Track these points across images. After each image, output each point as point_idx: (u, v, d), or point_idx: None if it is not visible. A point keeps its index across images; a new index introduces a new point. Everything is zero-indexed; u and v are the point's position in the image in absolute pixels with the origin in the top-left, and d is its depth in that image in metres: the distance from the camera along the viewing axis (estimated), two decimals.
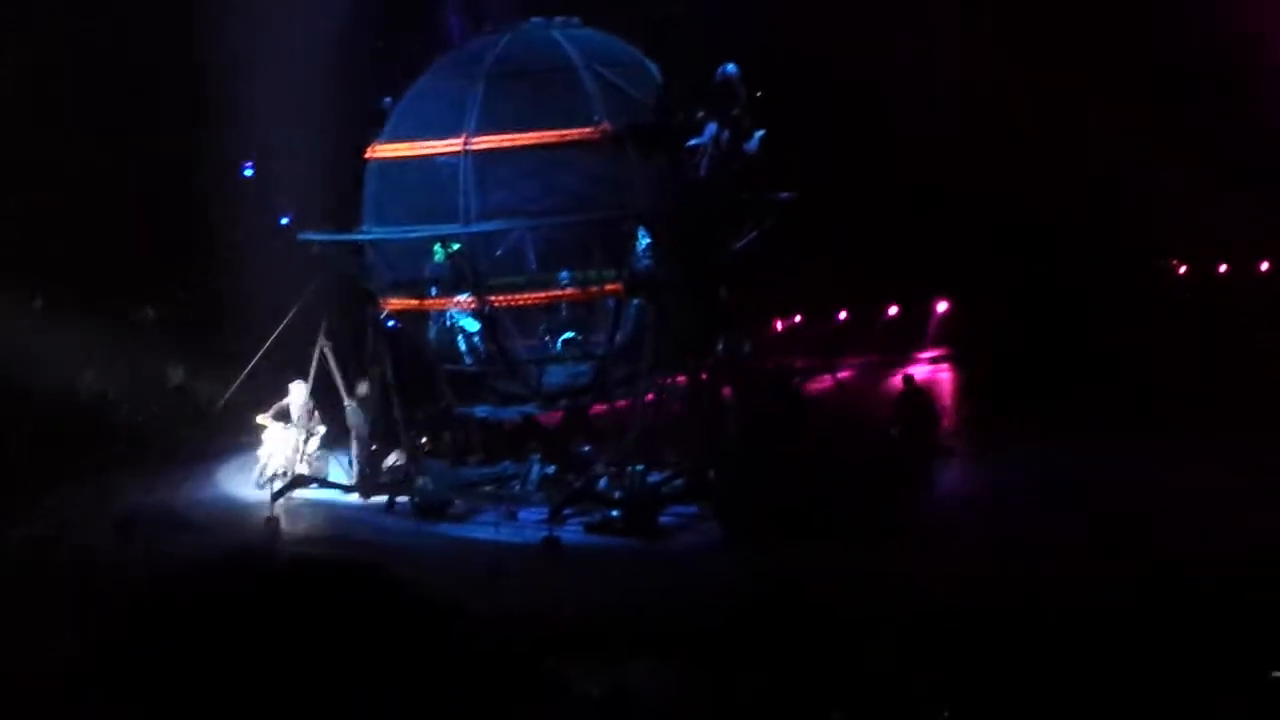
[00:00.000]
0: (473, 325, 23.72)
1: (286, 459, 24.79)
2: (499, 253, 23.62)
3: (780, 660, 13.01)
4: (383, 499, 24.06)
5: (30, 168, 27.23)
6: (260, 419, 24.93)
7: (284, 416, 24.88)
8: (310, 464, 25.01)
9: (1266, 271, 32.70)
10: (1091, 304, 30.12)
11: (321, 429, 25.07)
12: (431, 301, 23.80)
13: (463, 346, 23.90)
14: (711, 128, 22.93)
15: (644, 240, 23.16)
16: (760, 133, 22.95)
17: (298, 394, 24.91)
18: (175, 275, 28.78)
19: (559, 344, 23.79)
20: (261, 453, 24.90)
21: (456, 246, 23.17)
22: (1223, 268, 33.08)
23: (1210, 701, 10.99)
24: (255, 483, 24.51)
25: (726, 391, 23.60)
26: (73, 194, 27.68)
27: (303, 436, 24.90)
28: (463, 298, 23.38)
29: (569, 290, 23.38)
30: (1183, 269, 33.40)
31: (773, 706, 11.64)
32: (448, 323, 23.82)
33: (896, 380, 26.94)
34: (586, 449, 24.13)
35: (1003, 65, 28.98)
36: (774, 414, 23.16)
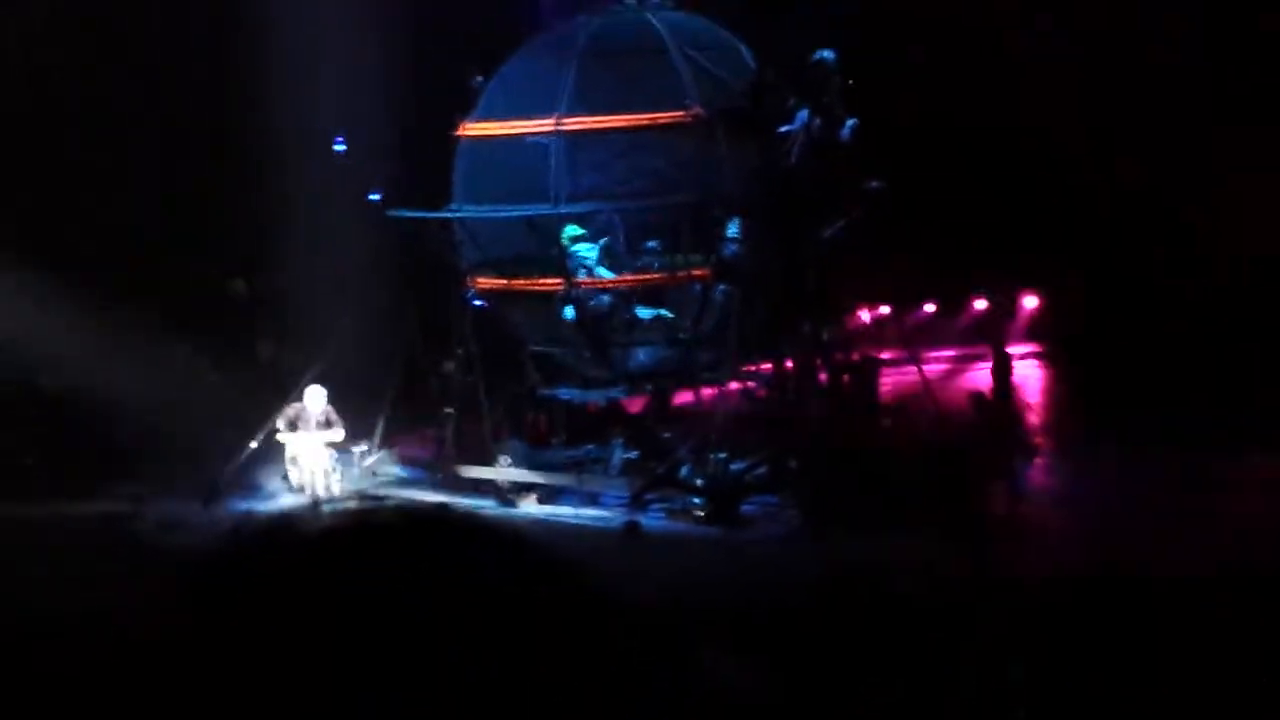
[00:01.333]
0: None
1: (326, 474, 23.42)
2: (588, 234, 23.62)
3: (857, 652, 12.91)
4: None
5: (126, 136, 27.43)
6: (280, 434, 23.39)
7: (296, 425, 23.40)
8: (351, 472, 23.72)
9: None
10: (1188, 302, 29.60)
11: (339, 434, 23.52)
12: (520, 281, 23.84)
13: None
14: (803, 115, 22.79)
15: (733, 226, 23.10)
16: (853, 121, 22.78)
17: (314, 400, 23.51)
18: (267, 249, 28.92)
19: (646, 315, 23.55)
20: (294, 473, 23.49)
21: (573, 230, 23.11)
22: None
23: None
24: (311, 507, 22.15)
25: (818, 379, 23.48)
26: (165, 167, 27.87)
27: (329, 444, 23.51)
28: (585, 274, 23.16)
29: (656, 273, 23.35)
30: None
31: (847, 697, 11.54)
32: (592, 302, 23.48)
33: (980, 375, 26.72)
34: (669, 435, 24.08)
35: (1101, 58, 28.58)
36: (854, 404, 23.07)
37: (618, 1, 24.43)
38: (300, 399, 23.87)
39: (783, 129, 22.90)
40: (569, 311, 23.36)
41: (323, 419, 23.62)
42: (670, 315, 23.56)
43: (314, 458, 23.53)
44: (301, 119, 26.46)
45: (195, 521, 21.11)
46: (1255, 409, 24.26)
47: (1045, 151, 29.24)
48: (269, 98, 26.45)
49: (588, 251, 23.22)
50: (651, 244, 23.41)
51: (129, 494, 22.65)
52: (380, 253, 25.30)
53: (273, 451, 23.94)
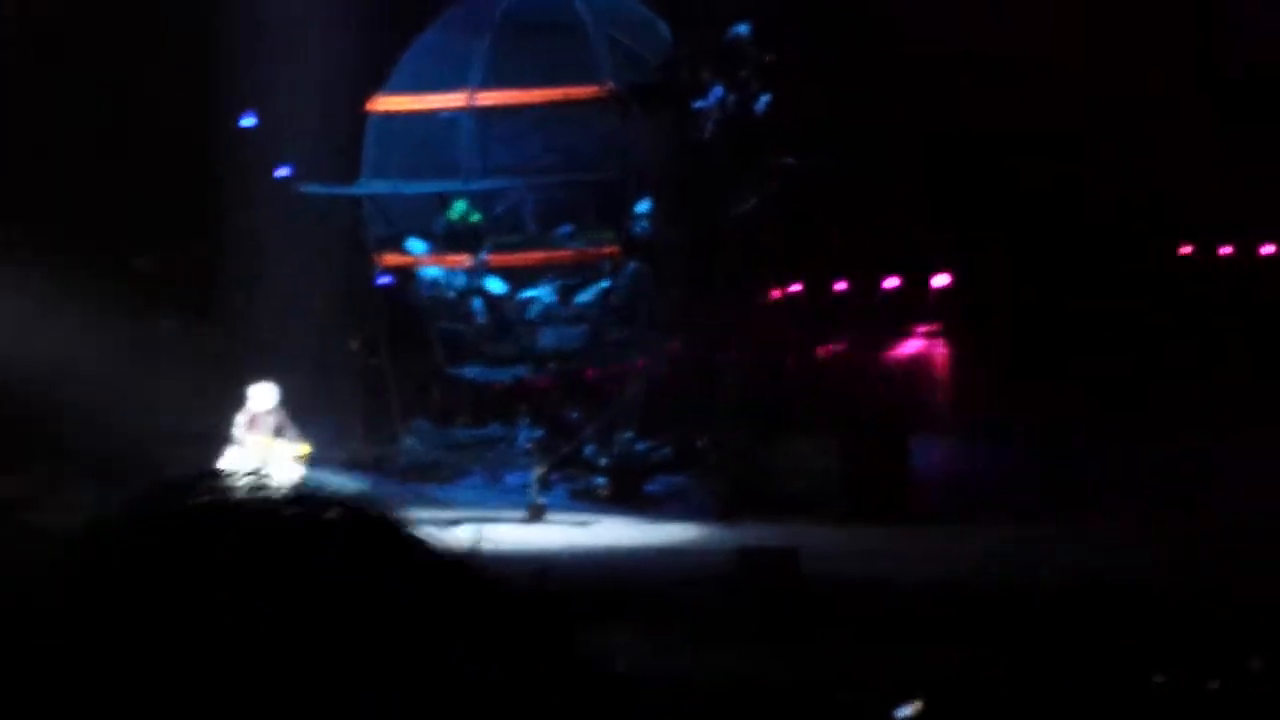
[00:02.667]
0: (498, 287, 23.35)
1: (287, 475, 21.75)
2: (499, 211, 23.42)
3: (759, 633, 12.80)
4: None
5: (24, 112, 26.91)
6: (238, 437, 20.68)
7: (254, 425, 20.73)
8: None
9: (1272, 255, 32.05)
10: (1095, 283, 29.65)
11: (305, 446, 20.83)
12: (428, 258, 23.58)
13: (478, 305, 23.42)
14: (718, 90, 22.60)
15: (645, 203, 22.95)
16: (767, 97, 22.62)
17: (261, 399, 20.75)
18: (172, 225, 28.48)
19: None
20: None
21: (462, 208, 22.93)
22: (1227, 249, 32.47)
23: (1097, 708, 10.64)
24: (197, 480, 20.39)
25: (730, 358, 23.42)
26: (67, 140, 27.35)
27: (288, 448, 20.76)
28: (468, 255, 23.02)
29: (567, 250, 23.17)
30: (1187, 249, 32.87)
31: (751, 678, 11.41)
32: (463, 283, 23.28)
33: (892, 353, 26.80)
34: (575, 414, 23.90)
35: (1017, 35, 28.53)
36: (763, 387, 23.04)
37: None
38: (248, 400, 21.66)
39: (697, 104, 22.71)
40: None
41: (277, 422, 21.25)
42: (549, 298, 23.32)
43: (282, 469, 20.67)
44: (212, 94, 26.07)
45: (94, 505, 20.63)
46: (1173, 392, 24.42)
47: (962, 128, 29.21)
48: (179, 72, 26.05)
49: (497, 288, 23.15)
50: (565, 230, 23.13)
51: (28, 477, 22.16)
52: (291, 229, 24.94)
53: (180, 434, 23.35)
